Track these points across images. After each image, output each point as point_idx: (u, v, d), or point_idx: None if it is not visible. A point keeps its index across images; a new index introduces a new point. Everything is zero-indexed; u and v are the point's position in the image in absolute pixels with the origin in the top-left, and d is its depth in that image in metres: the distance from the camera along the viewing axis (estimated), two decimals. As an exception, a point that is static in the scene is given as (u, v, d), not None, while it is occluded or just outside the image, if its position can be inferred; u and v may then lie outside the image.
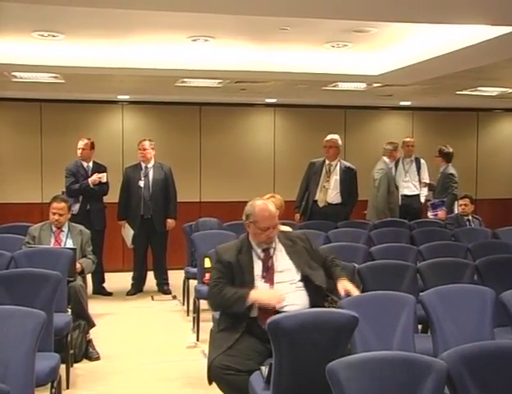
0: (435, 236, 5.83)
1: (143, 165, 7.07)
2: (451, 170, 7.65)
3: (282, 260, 3.45)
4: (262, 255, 3.43)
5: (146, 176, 7.03)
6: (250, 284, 3.34)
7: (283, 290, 3.33)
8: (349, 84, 7.09)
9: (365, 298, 3.32)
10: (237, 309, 3.27)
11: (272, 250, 3.46)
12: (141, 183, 6.99)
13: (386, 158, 7.73)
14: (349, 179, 6.83)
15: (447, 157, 7.71)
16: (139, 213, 6.98)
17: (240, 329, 3.26)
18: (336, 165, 6.88)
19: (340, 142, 6.94)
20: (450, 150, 7.72)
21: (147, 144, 7.04)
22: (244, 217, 3.52)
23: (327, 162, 6.89)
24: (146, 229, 7.03)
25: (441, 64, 5.56)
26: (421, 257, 5.05)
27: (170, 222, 7.09)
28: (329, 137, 6.94)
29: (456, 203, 7.50)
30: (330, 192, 6.80)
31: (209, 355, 3.33)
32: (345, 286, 3.43)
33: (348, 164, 6.98)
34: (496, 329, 3.38)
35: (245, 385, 3.04)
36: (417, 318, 3.54)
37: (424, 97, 8.18)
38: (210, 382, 3.24)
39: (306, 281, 3.40)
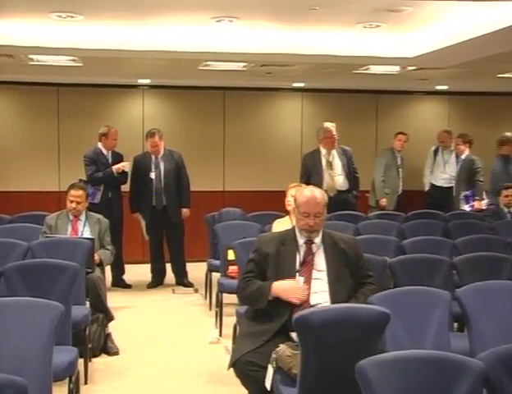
0: (472, 229, 5.67)
1: (153, 155, 6.91)
2: (473, 156, 7.65)
3: (320, 259, 3.44)
4: (303, 247, 3.44)
5: (157, 167, 6.88)
6: (289, 277, 3.33)
7: (319, 287, 3.32)
8: (381, 68, 6.99)
9: (397, 294, 3.29)
10: (259, 305, 3.30)
11: (314, 246, 3.45)
12: (152, 175, 6.85)
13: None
14: (348, 160, 6.92)
15: (471, 143, 7.76)
16: (151, 204, 6.86)
17: (277, 325, 3.21)
18: (334, 151, 6.92)
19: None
20: None
21: (157, 138, 6.82)
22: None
23: (325, 151, 6.88)
24: (160, 220, 6.91)
25: (481, 45, 5.40)
26: (456, 251, 4.91)
27: (185, 211, 6.98)
28: (328, 125, 6.89)
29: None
30: (337, 178, 6.82)
31: (237, 348, 3.31)
32: None
33: (342, 147, 7.00)
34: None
35: None
36: (452, 315, 3.49)
37: (462, 81, 7.94)
38: (229, 368, 3.27)
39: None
